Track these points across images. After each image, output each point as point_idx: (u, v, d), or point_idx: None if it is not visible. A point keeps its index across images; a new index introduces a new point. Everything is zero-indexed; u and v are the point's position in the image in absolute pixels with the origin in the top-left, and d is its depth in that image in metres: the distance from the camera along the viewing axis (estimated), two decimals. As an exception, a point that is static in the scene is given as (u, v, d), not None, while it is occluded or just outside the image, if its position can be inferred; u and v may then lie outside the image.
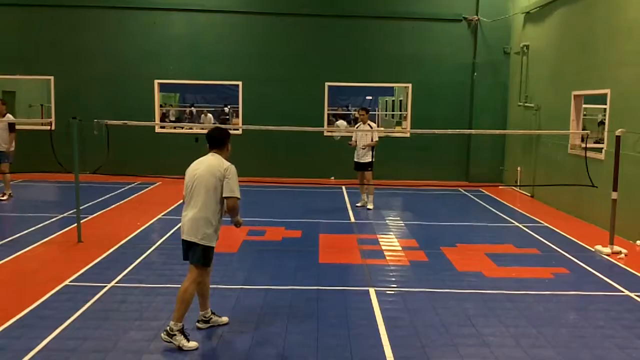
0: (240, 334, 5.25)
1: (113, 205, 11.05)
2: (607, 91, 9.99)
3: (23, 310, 5.61)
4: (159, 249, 8.02)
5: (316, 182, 13.73)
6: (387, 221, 10.31)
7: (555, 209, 11.68)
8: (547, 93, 12.63)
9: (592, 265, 7.69)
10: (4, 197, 11.28)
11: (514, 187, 14.22)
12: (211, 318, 5.38)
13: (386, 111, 28.87)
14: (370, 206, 11.25)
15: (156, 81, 15.01)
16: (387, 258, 7.88)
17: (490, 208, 11.84)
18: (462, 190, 14.01)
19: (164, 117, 22.91)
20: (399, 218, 10.64)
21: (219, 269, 6.51)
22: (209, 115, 23.98)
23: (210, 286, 5.44)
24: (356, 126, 11.97)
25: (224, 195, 4.98)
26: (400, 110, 23.98)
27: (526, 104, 13.54)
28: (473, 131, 14.41)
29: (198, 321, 5.34)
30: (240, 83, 15.07)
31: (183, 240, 5.07)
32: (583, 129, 11.77)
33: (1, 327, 5.24)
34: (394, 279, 7.00)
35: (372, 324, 5.55)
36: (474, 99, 15.08)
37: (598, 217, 9.89)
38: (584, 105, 11.60)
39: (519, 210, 11.60)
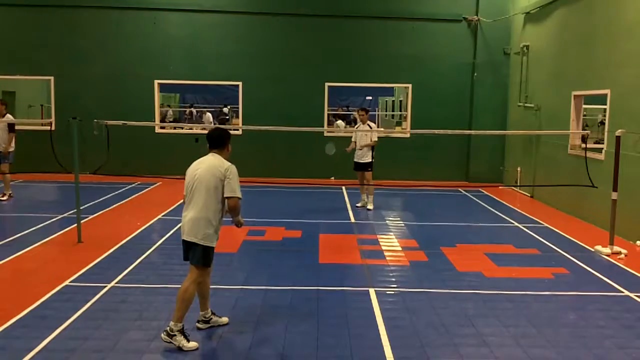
0: (240, 334, 5.26)
1: (113, 206, 11.05)
2: (607, 91, 9.99)
3: (23, 310, 5.61)
4: (159, 249, 8.02)
5: (316, 182, 13.72)
6: (387, 221, 10.31)
7: (555, 209, 11.68)
8: (547, 93, 12.63)
9: (592, 266, 7.70)
10: (4, 197, 11.28)
11: (514, 187, 14.22)
12: (211, 318, 5.38)
13: (386, 111, 28.83)
14: (370, 206, 11.25)
15: (156, 81, 15.02)
16: (387, 258, 7.88)
17: (490, 208, 11.85)
18: (462, 191, 14.01)
19: (164, 118, 22.93)
20: (398, 218, 10.64)
21: (219, 269, 6.51)
22: (208, 114, 24.04)
23: (211, 286, 5.43)
24: (356, 126, 11.98)
25: (225, 195, 4.98)
26: (400, 111, 23.95)
27: (526, 104, 13.54)
28: (473, 131, 14.40)
29: (198, 321, 5.34)
30: (240, 83, 15.07)
31: (183, 240, 5.07)
32: (585, 129, 11.77)
33: (1, 327, 5.24)
34: (393, 279, 7.00)
35: (372, 324, 5.55)
36: (474, 99, 15.09)
37: (598, 218, 9.89)
38: (584, 106, 11.61)
39: (519, 211, 11.60)
